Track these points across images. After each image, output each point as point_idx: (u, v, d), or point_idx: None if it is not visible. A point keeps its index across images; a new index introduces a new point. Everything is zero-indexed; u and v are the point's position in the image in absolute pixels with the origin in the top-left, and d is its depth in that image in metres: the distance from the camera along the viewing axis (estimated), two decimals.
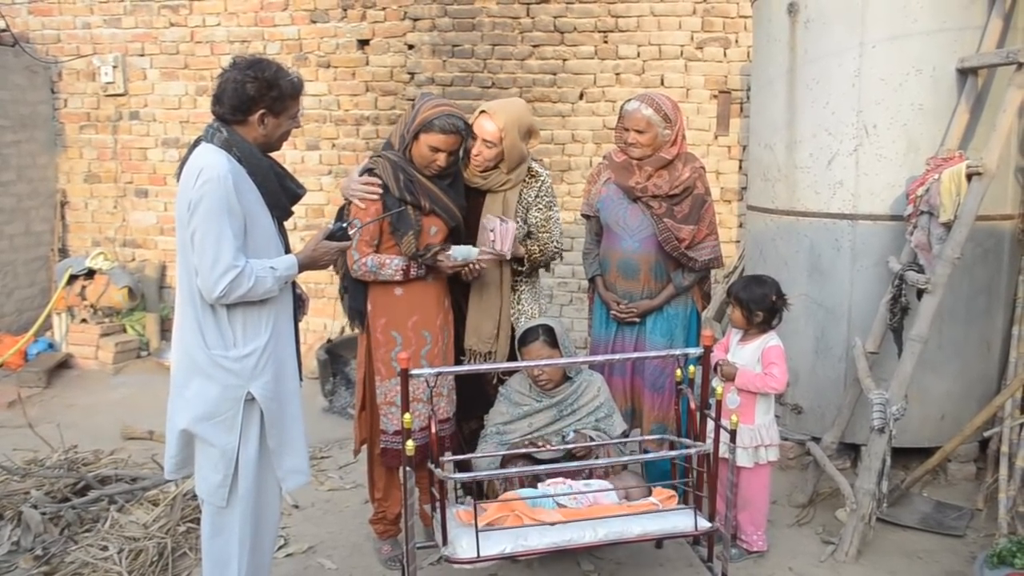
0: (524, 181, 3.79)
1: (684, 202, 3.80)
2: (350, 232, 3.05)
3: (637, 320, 3.87)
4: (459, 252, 3.46)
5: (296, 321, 3.04)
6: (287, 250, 2.95)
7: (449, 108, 3.48)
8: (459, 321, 3.78)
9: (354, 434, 3.77)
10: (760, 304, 3.69)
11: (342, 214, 3.62)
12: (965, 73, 4.24)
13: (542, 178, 3.84)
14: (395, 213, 3.41)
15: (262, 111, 2.76)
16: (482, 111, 3.68)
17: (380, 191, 3.45)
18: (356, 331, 3.73)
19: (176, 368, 2.87)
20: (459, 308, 3.77)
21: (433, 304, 3.60)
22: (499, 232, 3.54)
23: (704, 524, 3.15)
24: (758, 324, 3.71)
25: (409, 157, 3.51)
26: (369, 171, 3.52)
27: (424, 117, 3.43)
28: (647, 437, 3.77)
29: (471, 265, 3.51)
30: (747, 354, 3.71)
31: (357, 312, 3.64)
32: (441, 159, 3.46)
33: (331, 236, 2.97)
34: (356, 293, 3.63)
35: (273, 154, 2.93)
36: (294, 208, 3.04)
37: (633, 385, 3.93)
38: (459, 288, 3.74)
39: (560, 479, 3.37)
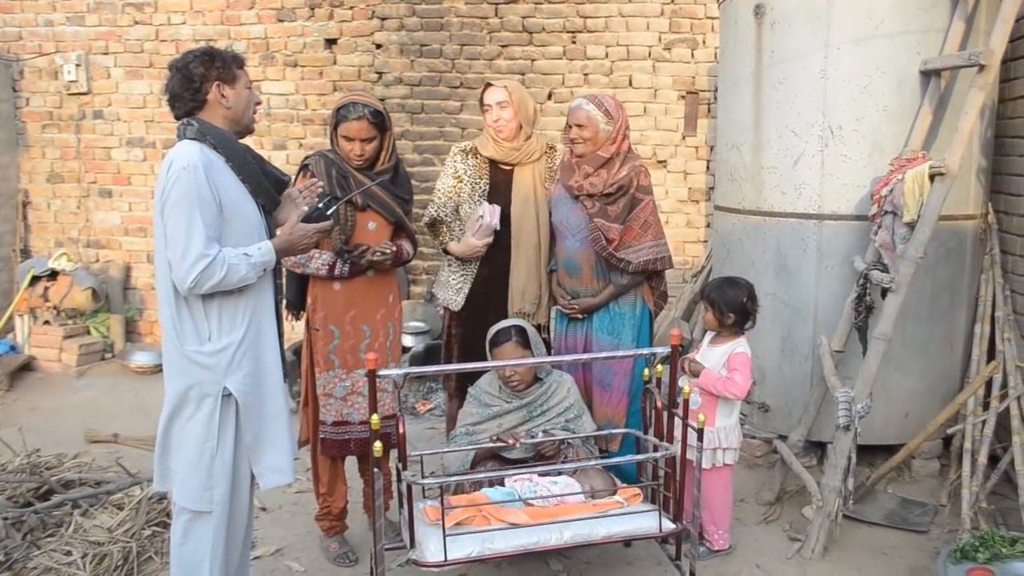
0: (545, 153, 4.08)
1: (619, 201, 3.78)
2: (327, 212, 2.98)
3: (580, 317, 3.89)
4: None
5: (278, 313, 2.98)
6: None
7: (356, 97, 3.53)
8: (502, 284, 3.94)
9: (300, 427, 3.74)
10: (732, 306, 3.69)
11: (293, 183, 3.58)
12: (928, 75, 4.29)
13: (559, 152, 4.14)
14: (327, 201, 3.22)
15: (216, 82, 2.76)
16: (486, 84, 4.01)
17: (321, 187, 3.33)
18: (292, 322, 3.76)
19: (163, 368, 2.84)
20: (501, 272, 3.96)
21: (373, 298, 3.61)
22: (487, 211, 3.82)
23: (668, 525, 3.17)
24: (730, 326, 3.72)
25: (343, 155, 3.54)
26: (304, 167, 3.55)
27: (335, 110, 3.50)
28: (615, 430, 3.77)
29: (378, 253, 3.53)
30: (714, 357, 3.72)
31: (291, 303, 3.68)
32: (356, 147, 3.47)
33: (307, 218, 2.91)
34: (290, 283, 3.65)
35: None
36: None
37: (585, 381, 3.94)
38: (500, 253, 3.91)
39: (525, 476, 3.37)
